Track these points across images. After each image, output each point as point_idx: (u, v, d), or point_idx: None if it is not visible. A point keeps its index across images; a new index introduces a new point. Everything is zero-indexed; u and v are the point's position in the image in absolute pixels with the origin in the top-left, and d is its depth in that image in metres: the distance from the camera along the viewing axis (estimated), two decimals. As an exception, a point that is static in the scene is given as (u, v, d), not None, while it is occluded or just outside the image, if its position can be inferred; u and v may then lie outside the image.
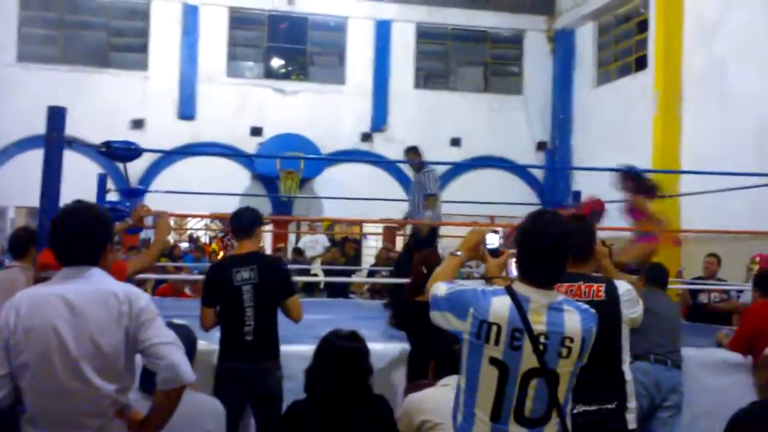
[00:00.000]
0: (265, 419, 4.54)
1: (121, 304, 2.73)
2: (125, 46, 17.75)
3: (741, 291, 8.20)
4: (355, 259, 14.27)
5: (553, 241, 2.77)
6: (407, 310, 4.95)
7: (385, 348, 5.05)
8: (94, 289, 2.77)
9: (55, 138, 4.33)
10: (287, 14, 18.00)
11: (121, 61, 17.45)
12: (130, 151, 5.03)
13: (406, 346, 4.95)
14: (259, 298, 4.51)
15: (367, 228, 17.73)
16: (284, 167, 16.07)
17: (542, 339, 2.69)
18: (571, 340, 2.72)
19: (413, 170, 8.70)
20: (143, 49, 17.36)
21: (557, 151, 18.30)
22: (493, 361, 2.70)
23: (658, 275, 5.75)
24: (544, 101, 18.68)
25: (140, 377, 3.07)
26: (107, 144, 4.92)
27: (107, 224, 2.96)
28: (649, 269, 5.85)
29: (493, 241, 3.12)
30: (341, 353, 3.29)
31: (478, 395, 2.75)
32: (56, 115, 4.38)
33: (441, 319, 2.88)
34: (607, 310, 3.38)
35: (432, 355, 3.82)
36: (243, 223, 4.68)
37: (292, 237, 16.64)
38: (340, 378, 3.22)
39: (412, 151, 9.11)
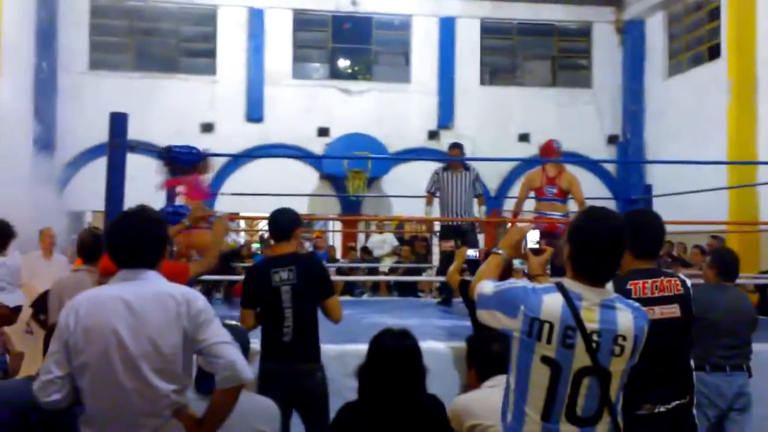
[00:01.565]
0: (310, 422, 4.51)
1: (179, 306, 2.78)
2: (194, 52, 18.04)
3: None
4: (425, 257, 14.19)
5: (608, 239, 2.74)
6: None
7: (437, 346, 4.98)
8: (152, 290, 2.82)
9: (117, 144, 4.37)
10: (351, 14, 18.05)
11: (190, 67, 17.74)
12: (191, 155, 5.04)
13: (458, 344, 4.85)
14: (297, 298, 4.48)
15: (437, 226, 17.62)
16: (352, 167, 16.11)
17: (595, 337, 2.65)
18: (624, 338, 2.68)
19: (459, 168, 8.53)
20: (211, 54, 17.62)
21: (629, 144, 17.94)
22: (545, 359, 2.67)
23: (730, 267, 5.20)
24: (615, 94, 18.34)
25: (195, 378, 3.09)
26: (168, 148, 4.94)
27: (162, 228, 3.02)
28: (719, 258, 5.31)
29: (535, 239, 3.08)
30: (393, 353, 3.25)
31: (529, 394, 2.71)
32: (118, 122, 4.43)
33: (489, 317, 2.84)
34: (686, 304, 3.36)
35: (470, 362, 3.76)
36: (281, 224, 4.65)
37: (361, 237, 16.67)
38: (392, 378, 3.18)
39: (459, 148, 8.97)
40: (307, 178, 16.80)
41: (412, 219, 16.21)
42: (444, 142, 17.48)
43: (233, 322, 3.54)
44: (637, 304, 2.84)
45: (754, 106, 13.27)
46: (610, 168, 18.20)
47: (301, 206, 15.22)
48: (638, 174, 17.09)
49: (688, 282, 3.45)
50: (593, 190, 16.23)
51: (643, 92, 17.97)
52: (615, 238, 2.75)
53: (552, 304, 2.68)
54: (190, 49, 18.04)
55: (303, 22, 18.01)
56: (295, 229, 4.66)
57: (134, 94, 15.52)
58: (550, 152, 8.43)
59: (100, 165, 15.27)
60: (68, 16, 16.64)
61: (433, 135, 17.75)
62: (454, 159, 8.62)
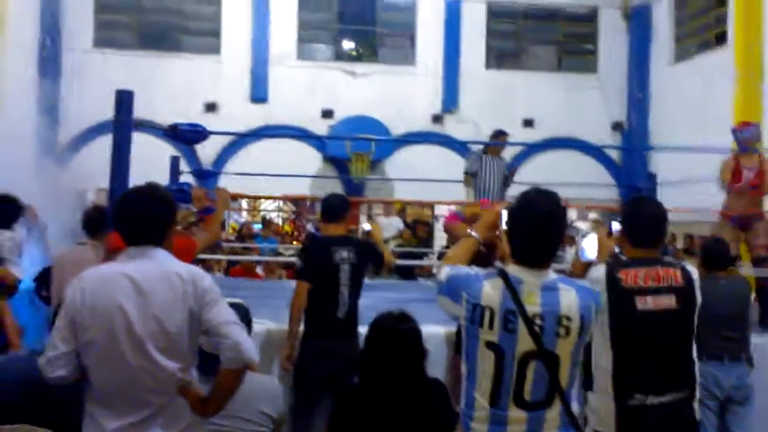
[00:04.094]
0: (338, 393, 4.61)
1: (185, 285, 2.78)
2: (198, 31, 17.95)
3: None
4: (427, 241, 14.18)
5: (543, 220, 2.70)
6: None
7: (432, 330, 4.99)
8: (159, 269, 2.81)
9: (123, 121, 4.35)
10: (357, -4, 17.97)
11: (194, 46, 17.68)
12: (197, 134, 5.05)
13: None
14: (354, 277, 4.82)
15: (439, 210, 17.63)
16: (355, 149, 16.08)
17: (537, 320, 2.64)
18: (569, 318, 2.66)
19: (495, 154, 8.48)
20: (215, 33, 17.55)
21: (634, 131, 17.88)
22: (489, 344, 2.67)
23: (715, 256, 5.20)
24: (620, 80, 18.26)
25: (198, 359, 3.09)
26: (174, 126, 4.95)
27: (170, 205, 3.02)
28: (704, 249, 5.30)
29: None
30: (392, 335, 3.24)
31: (478, 380, 2.72)
32: (124, 99, 4.41)
33: (443, 303, 2.85)
34: (685, 295, 3.24)
35: (457, 350, 3.77)
36: (335, 207, 5.04)
37: (362, 219, 16.65)
38: (392, 361, 3.17)
39: (503, 134, 8.89)
40: (310, 159, 16.79)
41: (413, 202, 16.20)
42: (448, 126, 17.47)
43: (237, 300, 3.54)
44: (583, 283, 2.84)
45: (760, 95, 13.19)
46: (614, 155, 18.14)
47: (303, 188, 15.24)
48: (642, 162, 17.03)
49: (694, 273, 3.33)
50: (597, 177, 16.26)
51: (648, 78, 17.87)
52: (550, 220, 2.71)
53: (491, 290, 2.68)
54: (194, 28, 17.94)
55: (308, 2, 17.93)
56: (347, 211, 5.09)
57: (138, 73, 15.46)
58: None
59: (104, 143, 15.23)
60: (73, -7, 16.59)
61: (437, 118, 17.70)
62: (469, 141, 8.55)
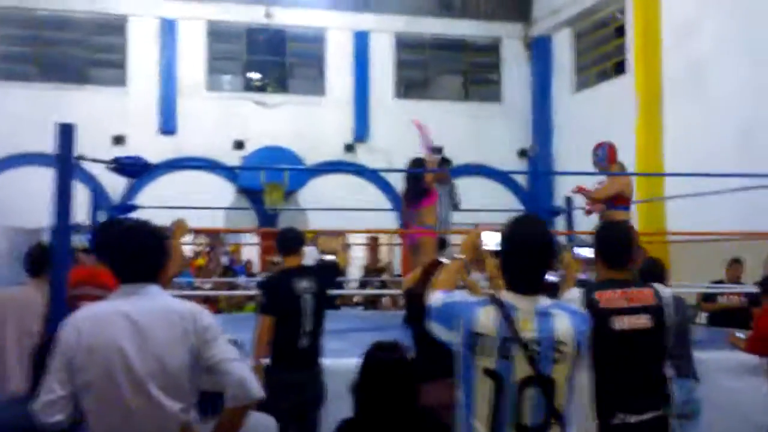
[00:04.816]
0: (304, 426, 4.68)
1: (185, 322, 2.72)
2: (104, 62, 17.65)
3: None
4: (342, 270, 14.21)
5: (534, 247, 2.77)
6: (414, 304, 5.07)
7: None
8: (157, 306, 2.75)
9: (65, 156, 4.28)
10: (265, 27, 17.97)
11: (100, 78, 17.37)
12: (138, 167, 5.02)
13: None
14: (317, 306, 4.91)
15: (353, 239, 17.68)
16: (268, 180, 16.00)
17: (533, 346, 2.68)
18: (564, 343, 2.72)
19: (447, 181, 8.55)
20: (122, 65, 17.26)
21: (539, 157, 18.35)
22: (487, 371, 2.70)
23: (653, 272, 5.25)
24: (524, 108, 18.74)
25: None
26: (116, 160, 4.91)
27: (163, 240, 2.96)
28: (643, 266, 5.40)
29: (491, 240, 3.09)
30: (385, 366, 3.17)
31: (475, 407, 2.74)
32: (66, 133, 4.34)
33: (435, 329, 2.89)
34: (657, 314, 3.36)
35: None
36: (292, 239, 5.16)
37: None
38: (386, 392, 3.11)
39: (446, 161, 8.95)
40: (223, 191, 16.62)
41: (326, 232, 16.21)
42: (360, 155, 17.59)
43: (231, 337, 3.48)
44: (575, 308, 2.90)
45: (660, 120, 13.72)
46: (521, 181, 18.55)
47: (217, 220, 15.08)
48: (548, 187, 17.47)
49: (664, 292, 3.46)
50: (505, 203, 16.62)
51: (551, 106, 18.39)
52: (542, 247, 2.78)
53: (487, 317, 2.71)
54: (99, 60, 17.65)
55: (217, 33, 17.85)
56: (303, 243, 5.22)
57: (42, 106, 15.12)
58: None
59: (8, 179, 14.74)
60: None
61: (349, 148, 17.80)
62: (381, 170, 8.63)
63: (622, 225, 3.74)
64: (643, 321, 3.31)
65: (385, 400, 3.10)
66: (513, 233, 2.82)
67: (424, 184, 8.03)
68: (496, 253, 3.06)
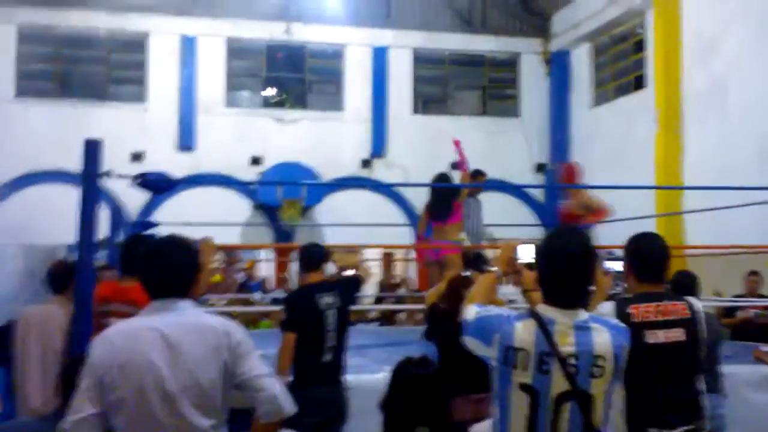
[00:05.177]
0: None
1: (218, 338, 2.68)
2: (123, 79, 17.77)
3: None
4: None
5: (575, 260, 2.71)
6: (438, 318, 5.09)
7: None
8: (189, 321, 2.72)
9: (91, 171, 4.25)
10: (285, 43, 18.04)
11: (120, 94, 17.48)
12: (164, 182, 5.01)
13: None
14: (340, 321, 4.91)
15: (369, 254, 17.65)
16: (286, 196, 16.02)
17: (572, 361, 2.63)
18: (603, 358, 2.66)
19: (475, 195, 8.53)
20: (141, 81, 17.37)
21: (557, 172, 18.22)
22: (523, 386, 2.65)
23: (685, 285, 5.18)
24: (542, 123, 18.68)
25: None
26: (142, 175, 4.89)
27: (195, 254, 2.92)
28: (675, 279, 5.30)
29: (525, 253, 3.05)
30: (420, 381, 3.11)
31: (511, 423, 2.69)
32: (92, 148, 4.30)
33: (470, 344, 2.84)
34: (691, 327, 3.29)
35: None
36: (315, 255, 5.17)
37: (294, 266, 16.54)
38: (422, 407, 3.04)
39: (482, 175, 8.95)
40: (240, 207, 16.64)
41: (342, 247, 16.18)
42: (377, 171, 17.57)
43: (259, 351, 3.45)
44: (615, 322, 2.83)
45: (680, 135, 13.62)
46: (538, 196, 18.46)
47: (233, 236, 15.09)
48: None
49: (697, 306, 3.38)
50: (522, 218, 16.53)
51: (569, 121, 18.32)
52: (582, 260, 2.72)
53: (524, 331, 2.67)
54: (119, 77, 17.77)
55: (236, 50, 17.92)
56: (326, 259, 5.24)
57: (62, 123, 15.25)
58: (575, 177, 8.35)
59: (26, 196, 14.87)
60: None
61: (366, 163, 17.79)
62: (405, 185, 8.64)
63: (655, 236, 3.60)
64: (677, 335, 3.24)
65: (419, 416, 3.02)
66: (552, 245, 2.77)
67: (456, 198, 7.98)
68: (530, 266, 3.02)
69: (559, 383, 2.63)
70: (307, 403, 4.55)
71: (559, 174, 7.94)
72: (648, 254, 3.39)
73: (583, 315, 2.73)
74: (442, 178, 8.34)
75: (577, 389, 2.63)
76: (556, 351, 2.63)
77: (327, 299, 4.92)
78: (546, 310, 2.71)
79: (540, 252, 2.78)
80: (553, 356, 2.62)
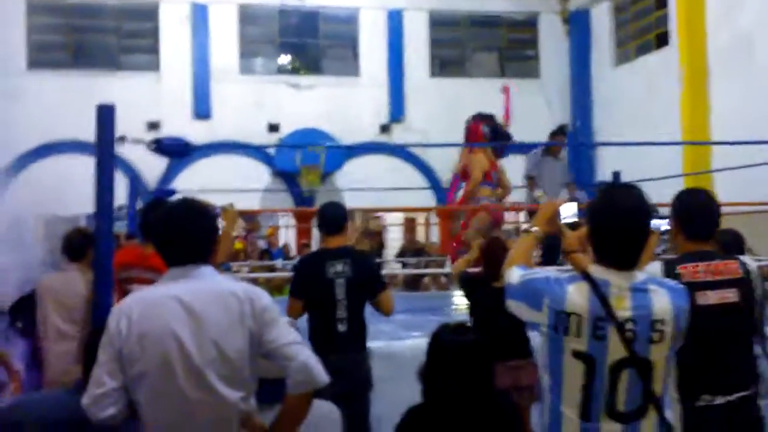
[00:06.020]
0: (353, 412, 4.38)
1: (242, 304, 2.51)
2: (136, 48, 17.64)
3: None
4: (379, 252, 14.08)
5: (629, 217, 2.51)
6: (485, 296, 4.91)
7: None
8: (210, 288, 2.55)
9: (105, 138, 4.09)
10: (297, 8, 17.80)
11: (133, 63, 17.35)
12: (180, 147, 4.85)
13: None
14: (351, 292, 4.49)
15: (390, 219, 17.55)
16: (304, 163, 15.89)
17: (629, 325, 2.44)
18: (663, 322, 2.47)
19: (559, 154, 8.30)
20: (154, 50, 17.21)
21: (578, 133, 18.00)
22: (577, 354, 2.47)
23: (735, 243, 4.77)
24: (563, 84, 18.40)
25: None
26: (157, 141, 4.73)
27: (213, 219, 2.76)
28: (723, 238, 5.14)
29: (568, 212, 2.85)
30: (454, 349, 2.92)
31: (564, 392, 2.51)
32: (105, 114, 4.13)
33: (516, 308, 2.65)
34: (744, 288, 3.09)
35: None
36: (333, 218, 4.69)
37: (315, 232, 16.46)
38: (458, 376, 2.85)
39: (561, 133, 8.74)
40: (259, 175, 16.56)
41: (364, 210, 16.07)
42: (396, 135, 17.38)
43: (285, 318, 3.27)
44: (674, 283, 2.65)
45: (706, 92, 13.38)
46: (561, 157, 18.21)
47: (252, 203, 14.99)
48: (588, 161, 17.15)
49: (752, 265, 3.19)
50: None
51: (590, 81, 18.06)
52: (637, 218, 2.53)
53: (577, 295, 2.48)
54: (132, 46, 17.63)
55: (249, 16, 17.71)
56: (346, 221, 4.72)
57: (76, 93, 15.04)
58: (479, 137, 8.27)
59: (42, 167, 14.84)
60: (4, 15, 16.09)
61: (384, 128, 17.61)
62: (427, 145, 8.55)
63: (704, 192, 3.37)
64: (730, 295, 3.04)
65: (463, 384, 2.83)
66: (606, 202, 2.57)
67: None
68: (572, 226, 2.83)
69: (616, 350, 2.45)
70: (327, 373, 4.41)
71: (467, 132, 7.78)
72: (697, 211, 3.19)
73: (639, 276, 2.54)
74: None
75: (636, 356, 2.45)
76: (612, 315, 2.44)
77: (337, 267, 4.50)
78: (599, 272, 2.51)
79: (594, 209, 2.59)
80: (609, 321, 2.44)
